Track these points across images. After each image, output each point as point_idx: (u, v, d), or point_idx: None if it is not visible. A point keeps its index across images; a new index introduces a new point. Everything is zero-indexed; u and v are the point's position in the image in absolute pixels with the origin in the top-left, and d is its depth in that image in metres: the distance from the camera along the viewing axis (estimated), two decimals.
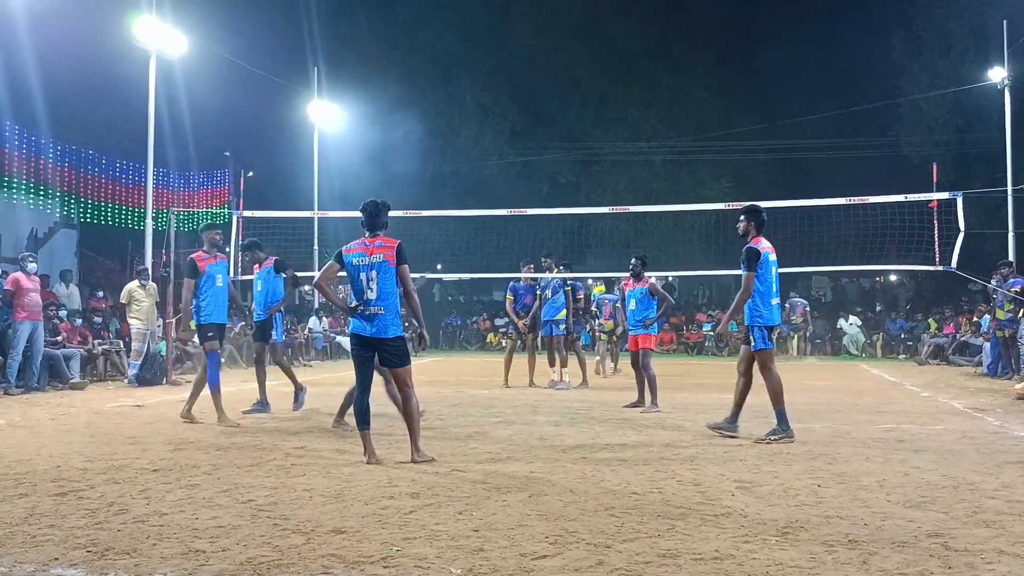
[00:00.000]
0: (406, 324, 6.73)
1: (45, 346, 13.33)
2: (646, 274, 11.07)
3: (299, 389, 10.45)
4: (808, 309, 24.31)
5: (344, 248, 6.83)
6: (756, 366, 8.05)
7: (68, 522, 4.76)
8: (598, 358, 16.64)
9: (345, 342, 23.82)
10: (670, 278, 29.58)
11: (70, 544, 4.32)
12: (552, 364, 13.68)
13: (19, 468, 6.40)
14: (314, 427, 8.72)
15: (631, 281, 11.04)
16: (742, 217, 8.23)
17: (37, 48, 19.20)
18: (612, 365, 17.14)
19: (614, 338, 16.53)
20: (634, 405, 10.74)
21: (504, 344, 14.50)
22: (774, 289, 8.05)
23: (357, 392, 6.82)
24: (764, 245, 8.02)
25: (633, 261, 10.96)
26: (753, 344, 8.01)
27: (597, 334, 16.78)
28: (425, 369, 18.96)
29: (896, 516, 4.92)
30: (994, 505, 5.21)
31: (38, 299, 12.94)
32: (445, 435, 8.23)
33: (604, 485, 5.81)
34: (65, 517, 4.88)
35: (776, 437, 7.73)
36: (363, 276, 6.63)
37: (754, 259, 7.92)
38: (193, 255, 9.33)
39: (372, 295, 6.60)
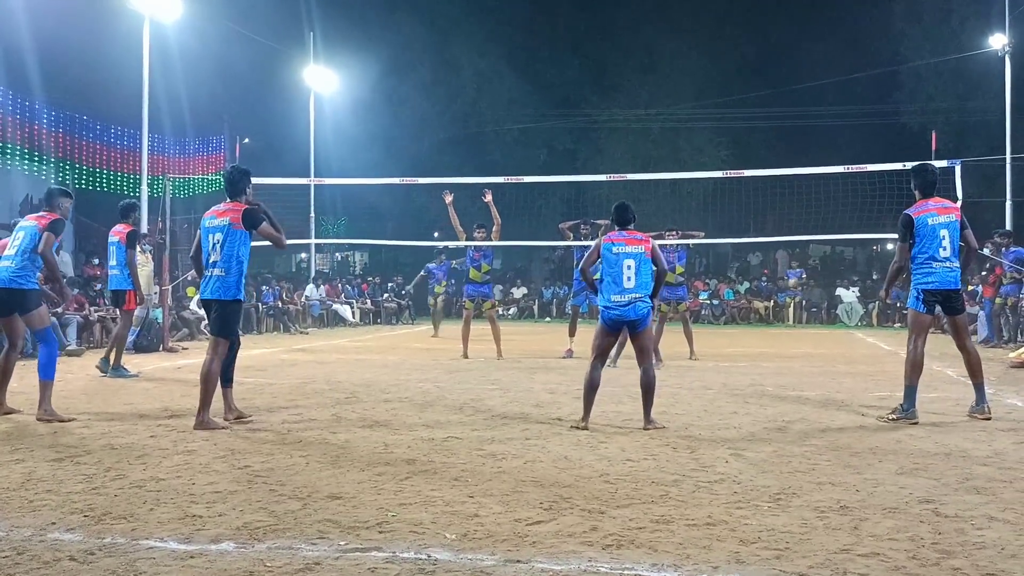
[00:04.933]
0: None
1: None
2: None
3: None
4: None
5: (205, 213, 7.12)
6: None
7: (65, 487, 4.79)
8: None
9: (342, 310, 23.86)
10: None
11: (67, 509, 4.35)
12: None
13: (16, 433, 6.42)
14: (310, 394, 8.76)
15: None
16: None
17: (30, 12, 18.97)
18: None
19: None
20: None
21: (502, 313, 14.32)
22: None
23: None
24: None
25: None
26: None
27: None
28: (421, 336, 19.01)
29: (888, 483, 4.96)
30: (985, 472, 5.25)
31: None
32: (441, 402, 8.27)
33: (599, 451, 5.84)
34: (62, 482, 4.91)
35: None
36: (211, 238, 6.88)
37: None
38: None
39: (217, 257, 6.82)
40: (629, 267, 6.75)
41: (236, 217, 6.81)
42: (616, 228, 7.05)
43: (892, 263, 7.58)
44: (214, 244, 6.85)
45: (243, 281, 6.94)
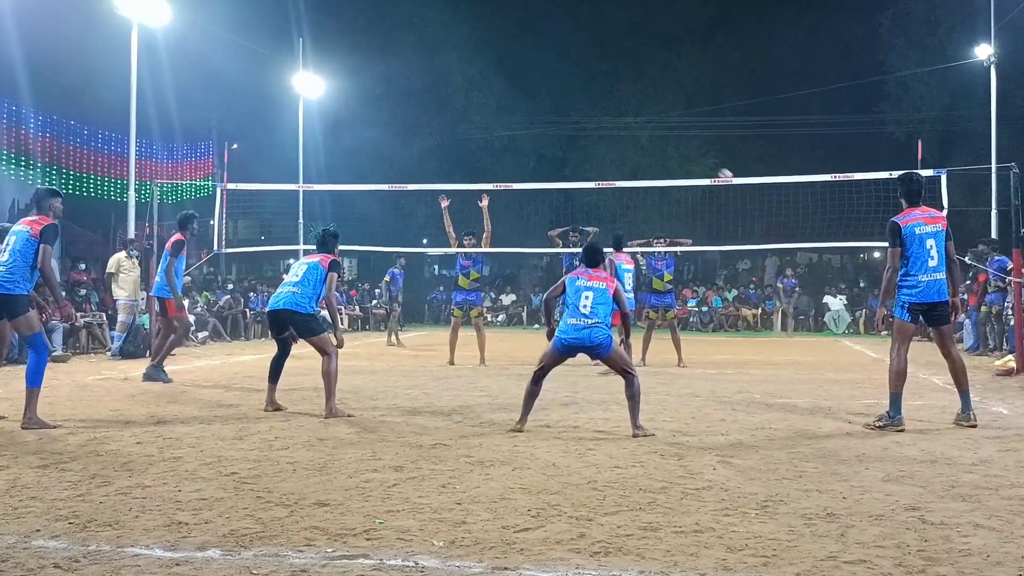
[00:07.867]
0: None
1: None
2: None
3: None
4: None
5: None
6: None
7: (50, 494, 4.76)
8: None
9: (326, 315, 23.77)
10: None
11: (52, 516, 4.32)
12: None
13: (0, 440, 6.37)
14: (298, 400, 8.73)
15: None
16: None
17: (17, 16, 18.89)
18: None
19: None
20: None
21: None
22: None
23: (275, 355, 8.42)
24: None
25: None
26: None
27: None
28: (411, 343, 18.98)
29: (874, 490, 4.98)
30: (971, 479, 5.27)
31: None
32: (430, 408, 8.26)
33: (587, 459, 5.84)
34: (47, 489, 4.87)
35: None
36: (299, 267, 8.21)
37: None
38: None
39: (297, 279, 8.03)
40: (587, 297, 6.96)
41: (326, 262, 8.13)
42: (583, 266, 7.26)
43: (885, 269, 7.50)
44: (299, 272, 8.10)
45: (316, 305, 8.10)
